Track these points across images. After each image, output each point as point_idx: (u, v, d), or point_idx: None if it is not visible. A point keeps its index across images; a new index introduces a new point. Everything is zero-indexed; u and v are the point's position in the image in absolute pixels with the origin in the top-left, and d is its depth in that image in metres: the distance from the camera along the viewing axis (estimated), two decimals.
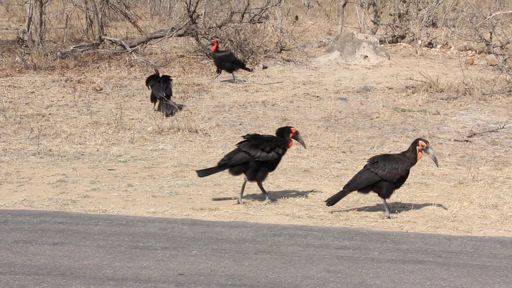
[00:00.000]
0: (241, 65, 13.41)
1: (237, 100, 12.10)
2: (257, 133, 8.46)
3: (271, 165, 7.33)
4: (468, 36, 15.48)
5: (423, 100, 11.96)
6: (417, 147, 7.09)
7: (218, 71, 13.33)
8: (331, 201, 7.06)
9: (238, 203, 7.29)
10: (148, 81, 11.61)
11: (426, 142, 7.12)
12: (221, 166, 7.37)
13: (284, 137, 7.36)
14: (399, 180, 7.08)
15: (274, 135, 7.51)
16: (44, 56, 14.38)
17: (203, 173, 7.46)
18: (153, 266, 5.49)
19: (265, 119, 11.04)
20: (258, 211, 7.10)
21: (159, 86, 11.27)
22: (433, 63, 15.07)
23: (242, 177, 7.40)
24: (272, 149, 7.23)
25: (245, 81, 13.46)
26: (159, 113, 11.09)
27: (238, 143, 7.48)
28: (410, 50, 16.35)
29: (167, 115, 10.98)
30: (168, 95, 11.21)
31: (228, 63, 13.14)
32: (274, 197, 7.54)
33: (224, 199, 7.49)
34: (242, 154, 7.26)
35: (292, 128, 7.44)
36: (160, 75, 11.75)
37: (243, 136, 7.51)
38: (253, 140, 7.30)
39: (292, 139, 7.41)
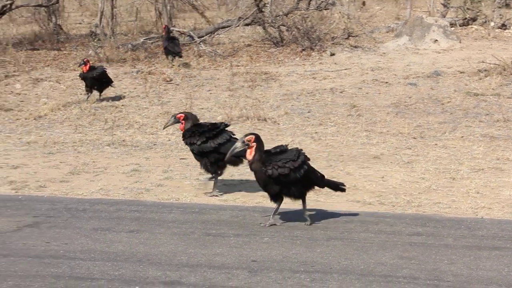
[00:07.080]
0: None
1: (305, 87, 12.07)
2: None
3: None
4: None
5: (496, 84, 11.64)
6: None
7: (90, 91, 11.66)
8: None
9: None
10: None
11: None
12: None
13: None
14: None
15: None
16: (116, 48, 14.72)
17: None
18: (226, 253, 5.57)
19: (333, 107, 10.99)
20: (328, 198, 7.10)
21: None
22: (507, 45, 14.62)
23: None
24: None
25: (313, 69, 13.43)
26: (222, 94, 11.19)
27: None
28: (482, 32, 15.92)
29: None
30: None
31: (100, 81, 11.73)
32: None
33: None
34: None
35: None
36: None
37: None
38: None
39: None
